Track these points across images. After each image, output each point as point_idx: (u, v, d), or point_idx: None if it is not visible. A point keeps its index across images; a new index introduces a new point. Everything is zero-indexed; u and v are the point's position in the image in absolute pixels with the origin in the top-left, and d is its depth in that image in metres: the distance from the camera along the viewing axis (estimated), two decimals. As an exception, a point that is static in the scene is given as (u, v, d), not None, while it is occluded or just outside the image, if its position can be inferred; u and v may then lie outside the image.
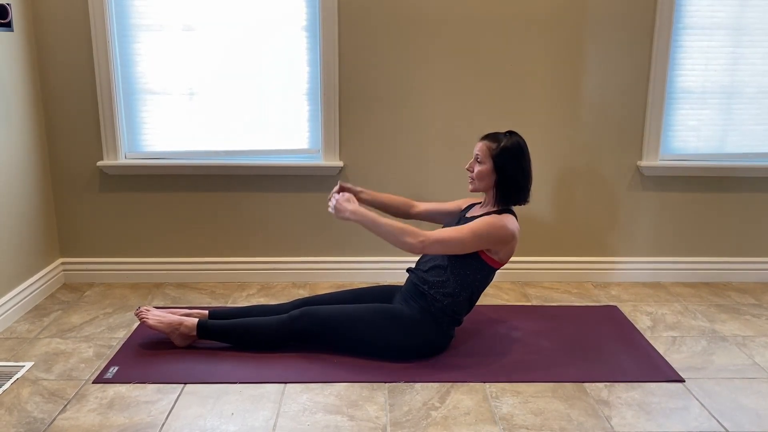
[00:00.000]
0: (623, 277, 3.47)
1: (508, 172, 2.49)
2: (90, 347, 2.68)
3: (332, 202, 2.57)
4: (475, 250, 2.47)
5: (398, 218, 2.85)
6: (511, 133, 2.54)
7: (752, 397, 2.36)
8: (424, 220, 2.84)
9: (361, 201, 2.76)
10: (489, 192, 2.55)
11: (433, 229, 2.55)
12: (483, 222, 2.45)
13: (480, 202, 2.67)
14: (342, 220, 2.55)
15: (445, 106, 3.24)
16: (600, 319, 3.00)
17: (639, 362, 2.58)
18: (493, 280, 2.68)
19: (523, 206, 2.58)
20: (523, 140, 2.53)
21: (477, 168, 2.52)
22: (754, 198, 3.41)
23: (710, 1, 3.19)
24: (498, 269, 2.56)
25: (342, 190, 2.71)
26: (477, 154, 2.52)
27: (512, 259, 3.30)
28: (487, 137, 2.54)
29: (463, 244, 2.44)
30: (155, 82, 3.23)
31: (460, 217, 2.66)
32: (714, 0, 3.19)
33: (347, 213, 2.51)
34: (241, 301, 3.16)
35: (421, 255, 2.63)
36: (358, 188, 2.77)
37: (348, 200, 2.55)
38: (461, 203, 2.78)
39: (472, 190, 2.58)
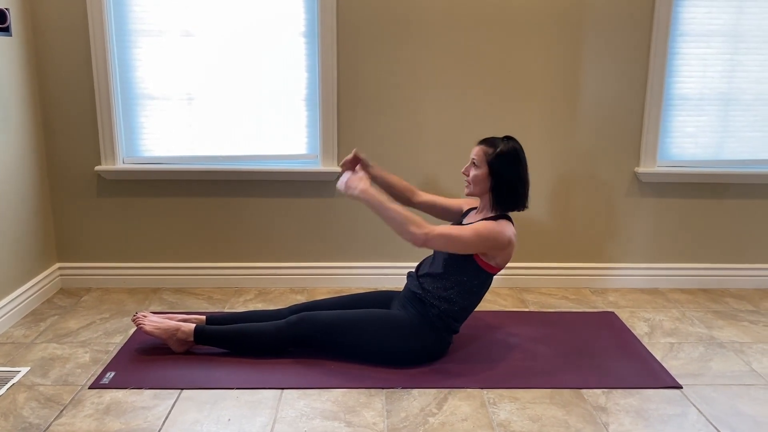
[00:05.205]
0: (621, 283, 3.48)
1: (504, 178, 2.48)
2: (86, 352, 2.67)
3: (344, 178, 2.53)
4: (474, 252, 2.47)
5: (400, 203, 2.83)
6: (508, 138, 2.54)
7: (750, 403, 2.36)
8: (423, 211, 2.82)
9: (368, 174, 2.69)
10: (484, 197, 2.55)
11: (431, 222, 2.54)
12: (482, 225, 2.46)
13: (476, 207, 2.67)
14: (350, 197, 2.51)
15: (444, 112, 3.25)
16: (597, 325, 3.00)
17: (636, 369, 2.58)
18: (491, 286, 2.68)
19: (521, 212, 2.58)
20: (520, 146, 2.53)
21: (473, 172, 2.52)
22: (752, 204, 3.42)
23: (707, 8, 3.20)
24: (495, 275, 2.56)
25: (355, 158, 2.67)
26: (473, 158, 2.53)
27: (510, 264, 3.31)
28: (484, 141, 2.54)
29: (465, 243, 2.43)
30: (154, 87, 3.23)
31: (458, 223, 2.66)
32: (711, 7, 3.20)
33: (357, 191, 2.47)
34: (239, 307, 3.16)
35: (422, 246, 2.47)
36: (371, 162, 2.72)
37: (360, 179, 2.51)
38: (462, 203, 2.78)
39: (467, 194, 2.59)
